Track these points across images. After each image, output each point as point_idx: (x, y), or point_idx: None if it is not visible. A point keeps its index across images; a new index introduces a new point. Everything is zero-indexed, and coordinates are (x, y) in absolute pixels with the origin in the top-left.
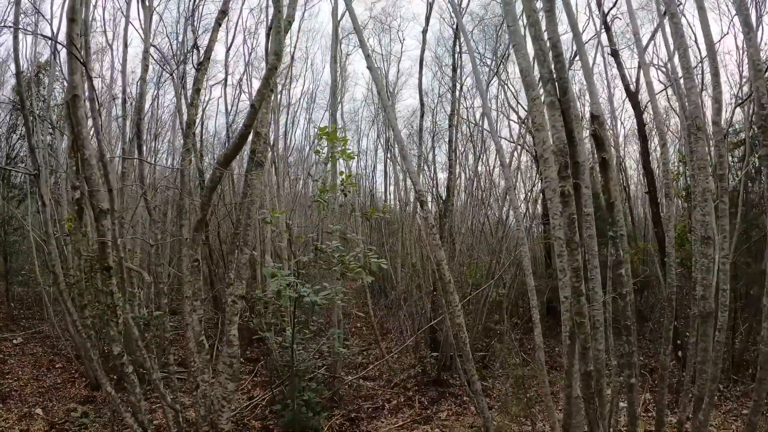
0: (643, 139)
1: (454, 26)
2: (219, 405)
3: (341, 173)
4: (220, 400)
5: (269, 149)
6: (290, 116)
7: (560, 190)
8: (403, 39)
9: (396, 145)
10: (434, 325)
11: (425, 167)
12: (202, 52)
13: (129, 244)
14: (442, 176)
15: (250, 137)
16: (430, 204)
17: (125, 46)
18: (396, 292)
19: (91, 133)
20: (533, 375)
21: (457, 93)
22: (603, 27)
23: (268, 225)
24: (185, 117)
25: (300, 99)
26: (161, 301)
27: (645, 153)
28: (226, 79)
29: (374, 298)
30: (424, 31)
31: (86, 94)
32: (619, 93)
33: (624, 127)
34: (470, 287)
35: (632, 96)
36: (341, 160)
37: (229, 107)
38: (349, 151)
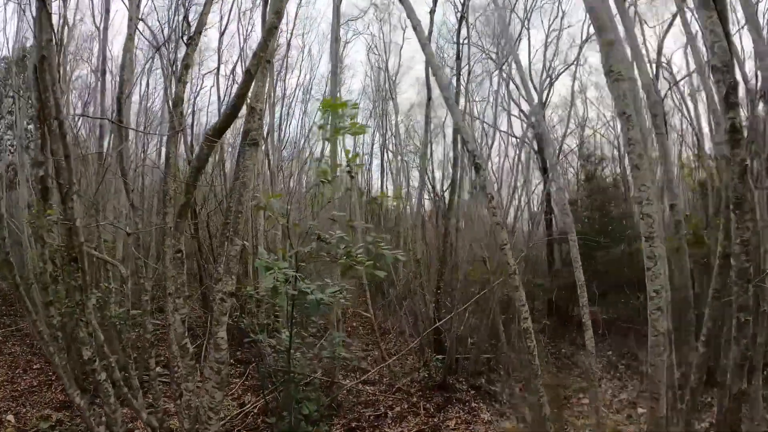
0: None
1: (459, 13)
2: (206, 416)
3: (347, 152)
4: (207, 411)
5: (263, 141)
6: (285, 108)
7: (729, 122)
8: (405, 26)
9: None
10: (440, 326)
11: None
12: (193, 27)
13: (107, 235)
14: (437, 174)
15: (243, 111)
16: (428, 202)
17: (107, 11)
18: (397, 290)
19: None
20: (560, 383)
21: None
22: None
23: (261, 214)
24: (172, 96)
25: (295, 90)
26: (142, 298)
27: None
28: (218, 68)
29: (372, 296)
30: (432, 11)
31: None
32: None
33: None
34: (478, 285)
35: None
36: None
37: (222, 97)
38: (359, 124)
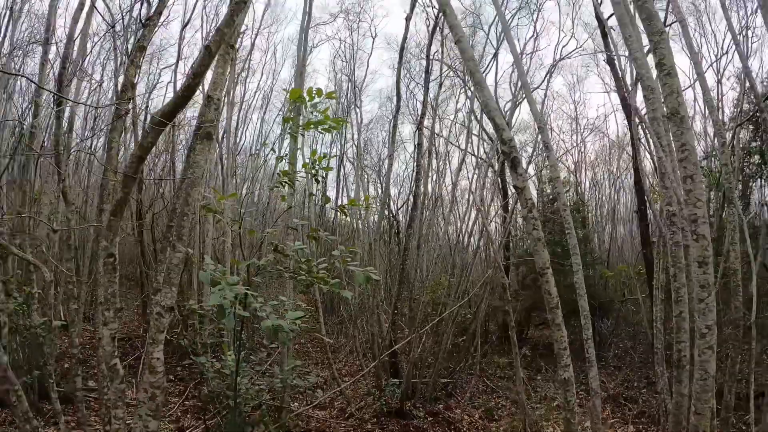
0: (636, 152)
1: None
2: None
3: (314, 152)
4: None
5: (216, 144)
6: (243, 112)
7: None
8: (375, 35)
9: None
10: (396, 349)
11: (378, 180)
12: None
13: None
14: (393, 191)
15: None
16: (385, 222)
17: None
18: (350, 307)
19: None
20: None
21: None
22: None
23: (210, 220)
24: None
25: (255, 93)
26: (70, 306)
27: (637, 169)
28: (177, 63)
29: (324, 311)
30: (408, 18)
31: None
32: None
33: (581, 152)
34: (440, 306)
35: (628, 108)
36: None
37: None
38: (335, 118)
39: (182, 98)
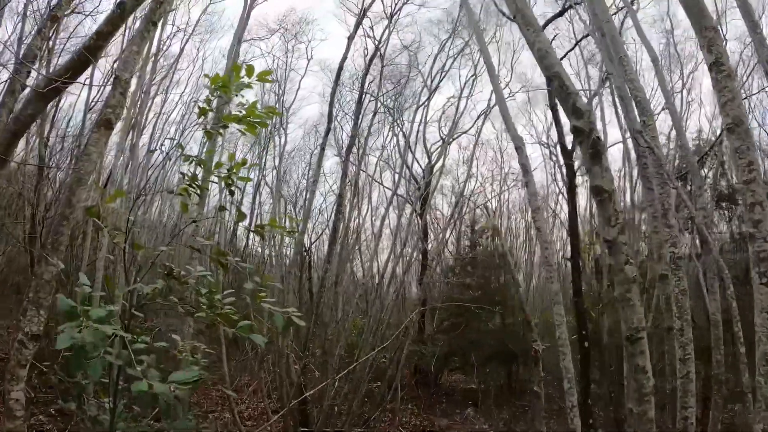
0: (573, 200)
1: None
2: None
3: (231, 156)
4: None
5: (120, 154)
6: (161, 123)
7: None
8: (311, 57)
9: None
10: (307, 396)
11: (294, 212)
12: None
13: None
14: (308, 226)
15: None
16: (299, 259)
17: None
18: (258, 347)
19: None
20: None
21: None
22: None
23: (106, 231)
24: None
25: (177, 104)
26: None
27: (573, 216)
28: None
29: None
30: (350, 37)
31: None
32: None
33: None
34: (359, 350)
35: (567, 154)
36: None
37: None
38: (264, 110)
39: (78, 62)
